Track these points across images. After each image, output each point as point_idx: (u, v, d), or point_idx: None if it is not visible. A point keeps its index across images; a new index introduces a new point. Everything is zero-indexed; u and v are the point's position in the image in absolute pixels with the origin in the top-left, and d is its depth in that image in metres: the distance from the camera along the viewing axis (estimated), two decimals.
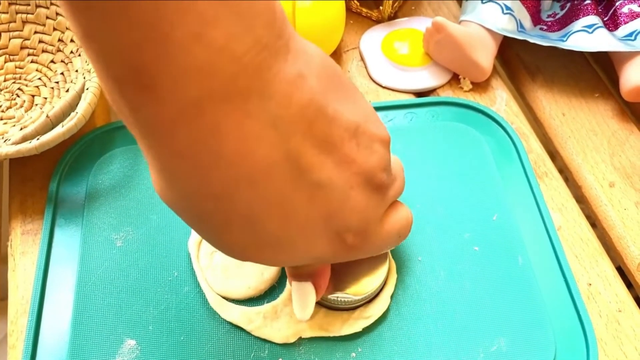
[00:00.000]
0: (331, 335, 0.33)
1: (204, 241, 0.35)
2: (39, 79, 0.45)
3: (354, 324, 0.33)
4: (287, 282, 0.34)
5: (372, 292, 0.33)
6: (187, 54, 0.18)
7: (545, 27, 0.47)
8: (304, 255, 0.26)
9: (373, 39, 0.49)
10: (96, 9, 0.18)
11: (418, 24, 0.49)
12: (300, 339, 0.33)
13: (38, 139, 0.36)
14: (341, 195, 0.24)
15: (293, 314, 0.33)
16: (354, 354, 0.33)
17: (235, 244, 0.24)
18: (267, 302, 0.34)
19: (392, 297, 0.34)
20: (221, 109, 0.20)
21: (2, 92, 0.44)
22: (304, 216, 0.24)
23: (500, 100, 0.46)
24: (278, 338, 0.33)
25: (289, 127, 0.21)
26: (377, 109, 0.43)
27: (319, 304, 0.33)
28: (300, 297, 0.30)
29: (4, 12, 0.45)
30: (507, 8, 0.45)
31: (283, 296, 0.34)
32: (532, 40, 0.45)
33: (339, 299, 0.32)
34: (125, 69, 0.19)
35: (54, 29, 0.45)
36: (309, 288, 0.29)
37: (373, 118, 0.26)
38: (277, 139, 0.21)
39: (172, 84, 0.19)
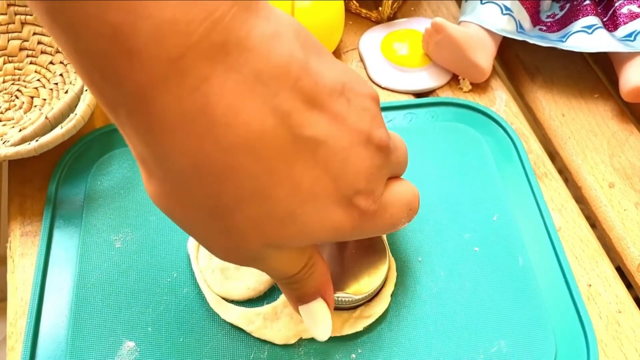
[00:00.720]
0: (332, 335, 0.33)
1: None
2: (38, 80, 0.44)
3: (355, 323, 0.33)
4: None
5: (373, 291, 0.33)
6: (160, 10, 0.18)
7: (544, 28, 0.47)
8: (319, 229, 0.24)
9: (372, 40, 0.49)
10: None
11: (417, 25, 0.49)
12: (300, 339, 0.33)
13: (37, 140, 0.36)
14: (342, 153, 0.23)
15: (293, 315, 0.33)
16: (353, 355, 0.32)
17: (246, 229, 0.23)
18: (267, 304, 0.34)
19: (391, 296, 0.34)
20: (202, 66, 0.19)
21: (1, 93, 0.44)
22: (311, 180, 0.23)
23: (499, 101, 0.46)
24: (278, 339, 0.33)
25: (274, 82, 0.21)
26: None
27: None
28: (315, 318, 0.29)
29: (2, 14, 0.45)
30: (507, 9, 0.45)
31: (283, 297, 0.34)
32: (531, 41, 0.45)
33: (339, 298, 0.32)
34: (101, 36, 0.18)
35: None
36: (318, 306, 0.28)
37: (357, 77, 0.25)
38: (265, 93, 0.21)
39: (150, 42, 0.18)
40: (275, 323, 0.33)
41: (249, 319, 0.33)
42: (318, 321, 0.29)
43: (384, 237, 0.34)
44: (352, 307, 0.33)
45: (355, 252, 0.33)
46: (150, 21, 0.18)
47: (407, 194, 0.28)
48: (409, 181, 0.29)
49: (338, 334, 0.33)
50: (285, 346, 0.33)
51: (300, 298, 0.29)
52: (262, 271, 0.27)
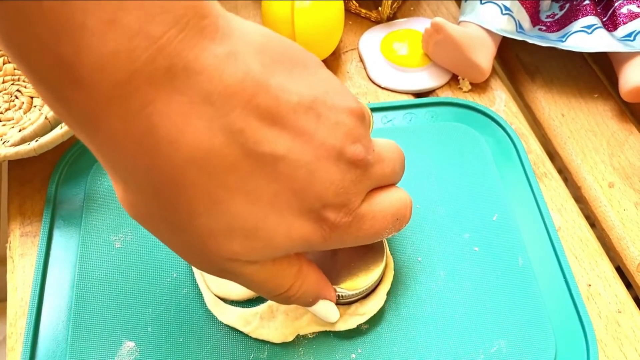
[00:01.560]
0: (327, 329, 0.33)
1: None
2: None
3: (349, 320, 0.33)
4: None
5: (368, 287, 0.32)
6: (102, 41, 0.19)
7: (544, 28, 0.47)
8: (286, 240, 0.24)
9: (372, 40, 0.49)
10: (10, 7, 0.18)
11: (417, 25, 0.49)
12: (300, 340, 0.33)
13: (37, 140, 0.36)
14: (307, 167, 0.23)
15: (289, 313, 0.33)
16: (353, 355, 0.32)
17: (208, 242, 0.23)
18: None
19: (391, 296, 0.34)
20: (146, 90, 0.20)
21: (1, 93, 0.44)
22: (271, 193, 0.23)
23: (499, 100, 0.46)
24: (276, 338, 0.33)
25: (225, 102, 0.21)
26: (376, 109, 0.43)
27: None
28: (320, 314, 0.30)
29: None
30: (506, 9, 0.45)
31: None
32: (531, 41, 0.45)
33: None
34: (49, 65, 0.19)
35: None
36: (321, 306, 0.30)
37: (337, 90, 0.25)
38: (213, 114, 0.21)
39: (93, 72, 0.19)
40: (272, 322, 0.33)
41: (246, 320, 0.33)
42: (324, 315, 0.30)
43: None
44: (346, 302, 0.33)
45: (352, 248, 0.33)
46: (92, 52, 0.19)
47: (394, 204, 0.28)
48: (402, 189, 0.29)
49: (332, 329, 0.33)
50: (285, 346, 0.33)
51: (302, 305, 0.30)
52: (248, 289, 0.28)
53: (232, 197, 0.22)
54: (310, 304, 0.30)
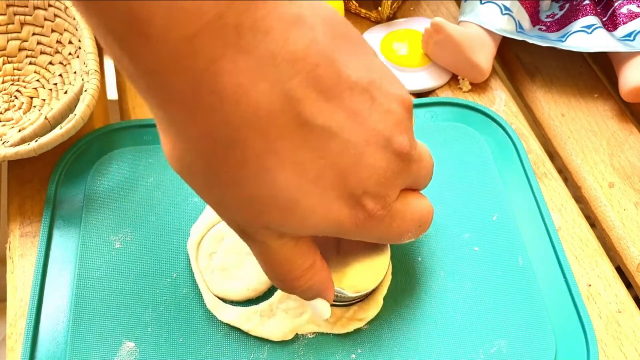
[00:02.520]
0: (325, 331, 0.33)
1: (203, 242, 0.35)
2: (37, 80, 0.44)
3: (347, 324, 0.33)
4: None
5: (369, 291, 0.32)
6: None
7: (544, 28, 0.47)
8: (321, 221, 0.24)
9: (372, 40, 0.49)
10: None
11: (417, 25, 0.49)
12: (300, 340, 0.33)
13: (36, 140, 0.36)
14: (356, 149, 0.23)
15: (289, 311, 0.33)
16: (353, 356, 0.32)
17: (246, 206, 0.23)
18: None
19: (391, 296, 0.34)
20: (214, 47, 0.20)
21: (1, 94, 0.44)
22: (317, 170, 0.23)
23: (499, 100, 0.46)
24: (275, 336, 0.33)
25: (288, 66, 0.21)
26: None
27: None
28: (314, 310, 0.30)
29: (2, 14, 0.45)
30: (506, 8, 0.45)
31: (278, 293, 0.34)
32: (531, 41, 0.45)
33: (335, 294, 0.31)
34: (119, 17, 0.19)
35: (52, 31, 0.45)
36: (316, 303, 0.29)
37: (392, 78, 0.24)
38: (276, 77, 0.21)
39: (163, 25, 0.19)
40: (271, 319, 0.33)
41: (246, 318, 0.33)
42: (317, 311, 0.30)
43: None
44: (345, 304, 0.33)
45: (358, 248, 0.32)
46: (162, 5, 0.19)
47: (422, 209, 0.28)
48: (426, 197, 0.29)
49: (329, 331, 0.33)
50: (284, 346, 0.33)
51: (301, 297, 0.29)
52: (260, 266, 0.27)
53: (282, 166, 0.22)
54: (310, 298, 0.29)
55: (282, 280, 0.28)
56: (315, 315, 0.30)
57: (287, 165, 0.22)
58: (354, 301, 0.33)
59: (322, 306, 0.30)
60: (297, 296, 0.30)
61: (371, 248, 0.32)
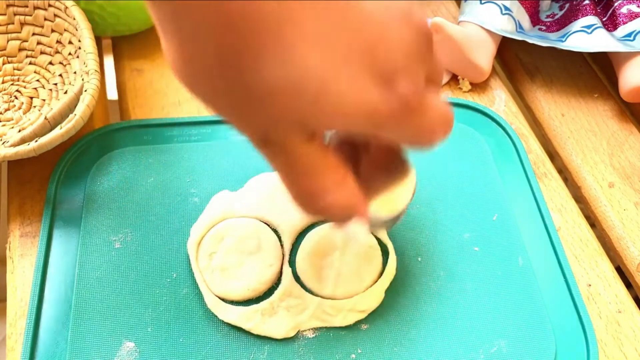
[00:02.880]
0: (327, 325, 0.33)
1: (203, 242, 0.35)
2: (37, 80, 0.44)
3: (348, 315, 0.33)
4: (282, 280, 0.34)
5: (401, 210, 0.30)
6: None
7: (544, 28, 0.47)
8: (354, 107, 0.22)
9: None
10: None
11: None
12: (300, 339, 0.33)
13: (36, 141, 0.36)
14: (379, 20, 0.21)
15: (290, 308, 0.33)
16: (353, 355, 0.32)
17: (272, 93, 0.21)
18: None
19: (391, 296, 0.34)
20: None
21: (0, 94, 0.44)
22: (343, 44, 0.21)
23: (499, 100, 0.46)
24: (277, 333, 0.33)
25: None
26: None
27: (320, 296, 0.34)
28: (349, 234, 0.27)
29: (2, 14, 0.45)
30: (506, 9, 0.45)
31: (279, 292, 0.34)
32: (531, 41, 0.45)
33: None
34: None
35: (52, 31, 0.45)
36: (352, 227, 0.26)
37: None
38: None
39: None
40: (273, 318, 0.33)
41: (248, 317, 0.33)
42: (355, 233, 0.27)
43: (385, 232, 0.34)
44: (377, 225, 0.30)
45: (377, 173, 0.29)
46: None
47: (446, 105, 0.25)
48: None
49: (331, 325, 0.33)
50: (285, 345, 0.33)
51: (333, 220, 0.27)
52: (284, 183, 0.25)
53: (305, 41, 0.20)
54: (342, 219, 0.26)
55: (310, 194, 0.25)
56: (353, 238, 0.27)
57: (312, 40, 0.20)
58: (387, 225, 0.30)
59: (358, 229, 0.27)
60: (328, 219, 0.26)
61: (392, 171, 0.30)
